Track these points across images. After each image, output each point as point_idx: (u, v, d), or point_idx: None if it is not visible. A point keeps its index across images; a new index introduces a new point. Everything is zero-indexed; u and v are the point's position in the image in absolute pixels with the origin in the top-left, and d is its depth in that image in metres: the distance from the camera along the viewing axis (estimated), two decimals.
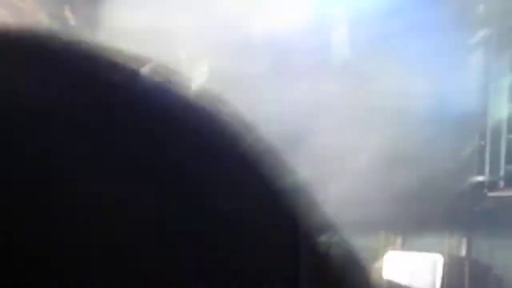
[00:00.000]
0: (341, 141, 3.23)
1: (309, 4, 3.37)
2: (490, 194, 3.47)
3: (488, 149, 3.44)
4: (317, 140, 3.20)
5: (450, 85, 3.34)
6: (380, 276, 2.33)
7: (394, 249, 3.78)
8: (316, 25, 3.30)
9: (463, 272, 3.62)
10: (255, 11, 3.30)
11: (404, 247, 3.82)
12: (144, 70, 0.21)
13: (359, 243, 1.12)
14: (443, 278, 3.57)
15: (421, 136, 3.38)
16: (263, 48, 3.22)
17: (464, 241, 3.71)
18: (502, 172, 3.45)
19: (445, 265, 3.58)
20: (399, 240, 3.83)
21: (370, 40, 3.24)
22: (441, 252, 3.63)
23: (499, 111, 3.44)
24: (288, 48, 3.35)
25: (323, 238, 0.23)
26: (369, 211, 3.29)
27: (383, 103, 3.28)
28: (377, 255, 3.60)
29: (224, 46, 3.08)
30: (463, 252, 3.71)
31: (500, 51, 3.48)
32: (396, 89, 3.25)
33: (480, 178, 3.42)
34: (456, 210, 3.55)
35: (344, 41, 3.11)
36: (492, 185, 3.46)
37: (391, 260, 3.62)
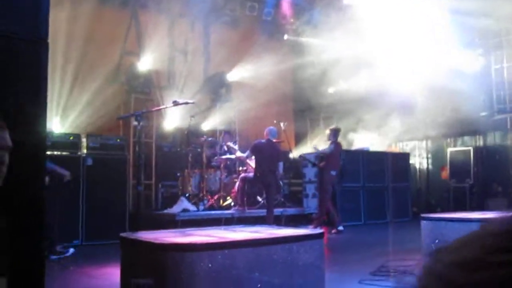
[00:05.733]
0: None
1: None
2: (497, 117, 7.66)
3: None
4: None
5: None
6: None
7: (449, 146, 8.08)
8: None
9: (482, 156, 7.78)
10: None
11: (453, 145, 8.18)
12: None
13: (432, 145, 7.82)
14: (473, 159, 7.78)
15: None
16: None
17: (481, 140, 7.94)
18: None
19: (473, 152, 7.78)
20: (451, 140, 8.16)
21: None
22: (471, 146, 7.90)
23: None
24: None
25: None
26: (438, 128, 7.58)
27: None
28: (443, 150, 7.97)
29: None
30: (481, 144, 7.93)
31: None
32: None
33: (485, 113, 7.63)
34: (474, 128, 7.75)
35: None
36: (489, 116, 7.65)
37: (450, 152, 7.90)
